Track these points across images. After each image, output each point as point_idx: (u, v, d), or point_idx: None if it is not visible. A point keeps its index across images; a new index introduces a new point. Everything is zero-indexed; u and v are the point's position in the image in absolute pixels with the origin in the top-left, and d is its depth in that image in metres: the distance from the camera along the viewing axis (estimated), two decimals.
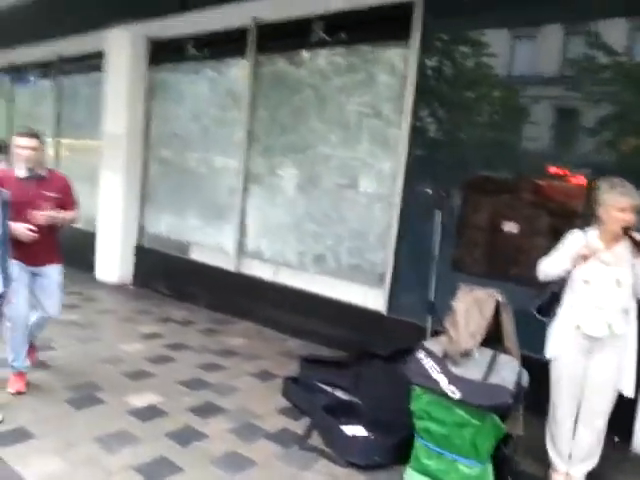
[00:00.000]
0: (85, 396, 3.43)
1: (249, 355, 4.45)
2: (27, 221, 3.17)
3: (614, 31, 3.63)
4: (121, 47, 6.09)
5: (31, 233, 3.17)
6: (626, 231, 2.59)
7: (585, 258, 2.65)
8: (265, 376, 4.05)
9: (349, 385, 3.52)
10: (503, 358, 2.67)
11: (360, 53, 4.51)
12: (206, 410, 3.42)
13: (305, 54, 4.89)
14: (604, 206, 2.65)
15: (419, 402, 2.70)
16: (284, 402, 3.61)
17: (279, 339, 4.87)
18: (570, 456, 2.82)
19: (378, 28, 4.33)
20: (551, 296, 2.82)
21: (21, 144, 3.25)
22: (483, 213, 3.80)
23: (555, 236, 3.47)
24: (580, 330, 2.69)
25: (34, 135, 3.30)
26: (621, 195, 2.60)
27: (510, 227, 3.74)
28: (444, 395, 2.59)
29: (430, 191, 3.63)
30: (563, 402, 2.77)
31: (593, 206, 2.70)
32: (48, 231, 3.33)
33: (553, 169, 3.77)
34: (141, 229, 6.49)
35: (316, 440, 3.12)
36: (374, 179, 4.50)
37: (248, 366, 4.21)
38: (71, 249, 4.10)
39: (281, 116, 5.08)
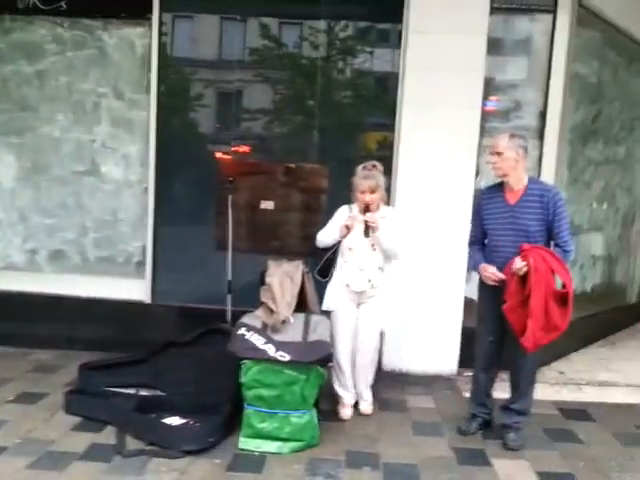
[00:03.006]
0: None
1: None
2: None
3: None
4: None
5: None
6: (365, 210, 3.19)
7: (348, 228, 3.22)
8: (28, 399, 3.47)
9: (150, 380, 3.40)
10: (314, 317, 3.11)
11: (90, 28, 4.10)
12: None
13: (12, 21, 4.13)
14: (353, 188, 3.27)
15: (250, 374, 2.90)
16: (72, 419, 3.23)
17: (18, 355, 4.14)
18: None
19: (112, 3, 4.03)
20: (327, 261, 3.35)
21: None
22: (242, 193, 4.10)
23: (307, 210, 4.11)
24: (349, 287, 3.30)
25: None
26: (361, 179, 3.21)
27: (267, 205, 4.17)
28: (275, 361, 2.88)
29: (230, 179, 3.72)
30: (341, 345, 3.33)
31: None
32: None
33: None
34: None
35: (134, 444, 2.98)
36: (121, 164, 4.24)
37: None
38: None
39: None
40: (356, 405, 3.49)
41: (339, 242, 3.29)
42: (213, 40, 4.42)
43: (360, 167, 3.28)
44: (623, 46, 4.93)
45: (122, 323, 4.19)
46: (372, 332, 3.37)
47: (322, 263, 3.35)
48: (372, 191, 3.19)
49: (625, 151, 5.38)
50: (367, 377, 3.47)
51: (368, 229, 3.13)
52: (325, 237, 3.32)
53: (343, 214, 3.33)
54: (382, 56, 4.45)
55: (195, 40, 4.45)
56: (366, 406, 3.48)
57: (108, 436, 3.04)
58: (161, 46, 4.13)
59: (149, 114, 4.13)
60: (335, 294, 3.33)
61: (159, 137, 4.15)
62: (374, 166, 3.29)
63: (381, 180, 3.24)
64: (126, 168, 4.27)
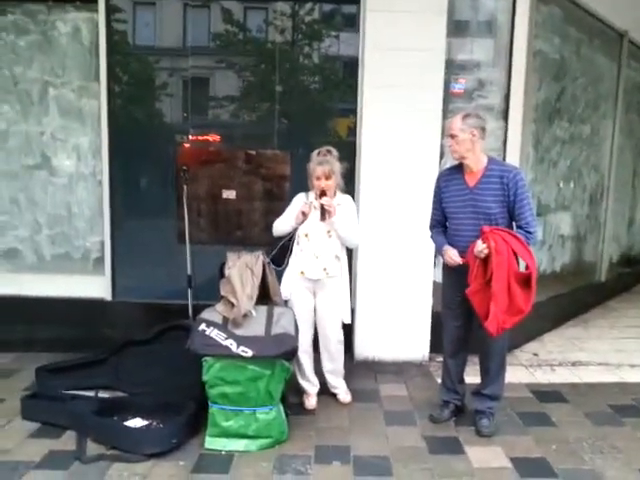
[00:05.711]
0: None
1: None
2: None
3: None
4: None
5: None
6: (321, 195, 3.09)
7: (304, 215, 3.12)
8: None
9: (110, 381, 3.25)
10: (277, 310, 2.99)
11: (33, 12, 3.87)
12: None
13: None
14: (309, 175, 3.17)
15: (212, 371, 2.79)
16: (30, 425, 3.07)
17: None
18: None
19: None
20: (281, 248, 3.23)
21: None
22: (202, 183, 3.95)
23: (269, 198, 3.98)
24: (304, 274, 3.20)
25: None
26: (316, 165, 3.11)
27: (229, 194, 4.02)
28: (237, 357, 2.76)
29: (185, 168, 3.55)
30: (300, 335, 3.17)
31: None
32: None
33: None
34: None
35: (94, 449, 2.84)
36: (72, 156, 4.04)
37: None
38: None
39: None
40: (327, 394, 3.41)
41: (295, 230, 3.19)
42: (165, 27, 4.22)
43: (315, 153, 3.17)
44: (583, 22, 4.89)
45: (82, 322, 4.02)
46: (333, 323, 3.28)
47: (276, 251, 3.22)
48: (327, 177, 3.10)
49: (590, 129, 5.36)
50: (337, 369, 3.40)
51: (325, 213, 3.04)
52: (282, 225, 3.22)
53: (300, 201, 3.22)
54: (347, 40, 4.30)
55: (148, 26, 4.23)
56: (343, 396, 3.42)
57: (67, 442, 2.91)
58: (110, 31, 3.91)
59: (100, 102, 3.93)
60: (291, 282, 3.23)
61: (111, 126, 3.96)
62: (329, 151, 3.18)
63: (336, 166, 3.14)
64: (78, 160, 4.06)
